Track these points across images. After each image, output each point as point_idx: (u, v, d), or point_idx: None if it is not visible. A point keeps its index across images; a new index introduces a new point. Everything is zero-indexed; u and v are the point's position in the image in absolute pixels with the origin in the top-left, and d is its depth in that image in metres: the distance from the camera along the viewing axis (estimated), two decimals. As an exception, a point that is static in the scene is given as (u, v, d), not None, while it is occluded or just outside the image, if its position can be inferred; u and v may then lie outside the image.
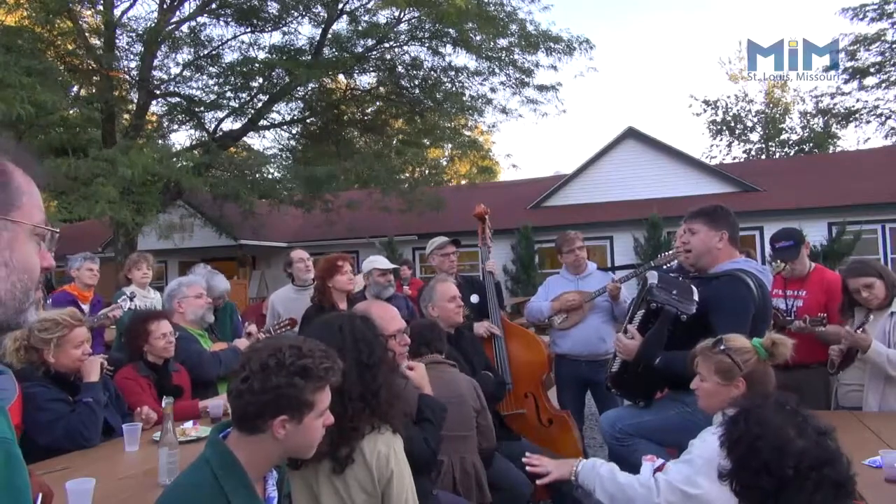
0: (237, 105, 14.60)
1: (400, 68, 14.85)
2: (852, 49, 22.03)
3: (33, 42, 11.36)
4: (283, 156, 16.78)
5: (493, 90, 15.04)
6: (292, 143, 16.82)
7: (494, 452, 3.08)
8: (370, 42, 14.06)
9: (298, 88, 14.35)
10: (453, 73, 14.68)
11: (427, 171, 25.43)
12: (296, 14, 13.93)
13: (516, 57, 14.18)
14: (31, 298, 0.89)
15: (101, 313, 4.50)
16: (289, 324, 4.28)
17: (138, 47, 13.48)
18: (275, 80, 14.28)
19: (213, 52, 14.14)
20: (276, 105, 14.79)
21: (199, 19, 13.59)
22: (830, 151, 27.02)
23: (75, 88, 13.89)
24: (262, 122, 15.12)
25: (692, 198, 14.22)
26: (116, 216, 10.45)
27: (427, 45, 14.27)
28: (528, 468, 2.40)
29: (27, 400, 2.63)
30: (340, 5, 13.74)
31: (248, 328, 4.28)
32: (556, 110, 20.68)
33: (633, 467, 2.42)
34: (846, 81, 23.86)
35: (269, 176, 15.11)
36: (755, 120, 31.15)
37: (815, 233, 12.72)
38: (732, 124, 31.25)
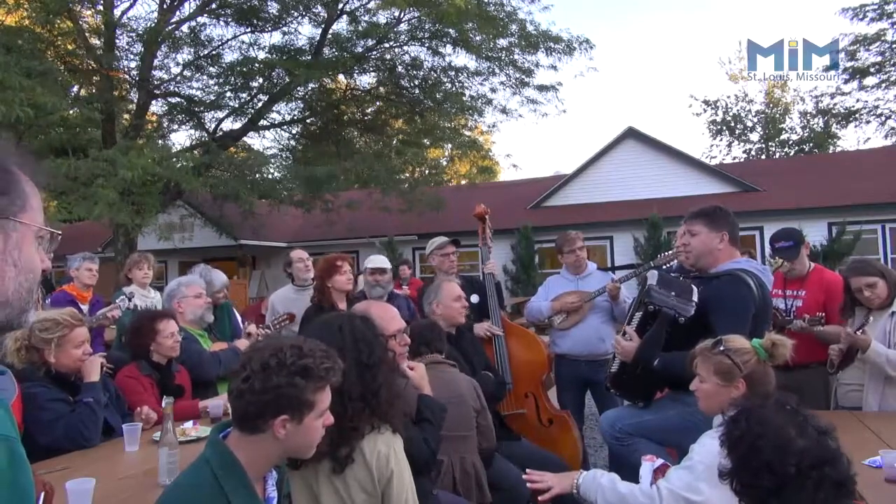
0: (237, 105, 14.61)
1: (400, 68, 14.85)
2: (852, 49, 22.02)
3: (33, 42, 11.36)
4: (283, 156, 16.79)
5: (493, 90, 15.07)
6: (292, 143, 16.82)
7: (494, 452, 3.08)
8: (370, 42, 14.06)
9: (298, 88, 14.35)
10: (453, 73, 14.69)
11: (427, 171, 25.44)
12: (296, 14, 13.93)
13: (516, 57, 14.19)
14: (33, 298, 0.91)
15: (100, 313, 4.49)
16: (287, 318, 4.30)
17: (138, 47, 13.49)
18: (275, 80, 14.29)
19: (213, 52, 14.15)
20: (276, 105, 14.80)
21: (199, 19, 13.59)
22: (830, 151, 27.01)
23: (75, 88, 13.89)
24: (262, 122, 15.13)
25: (692, 198, 14.22)
26: (115, 218, 10.45)
27: (427, 45, 14.27)
28: (528, 484, 2.37)
29: (28, 400, 2.63)
30: (340, 5, 13.74)
31: (247, 328, 4.29)
32: (556, 110, 20.76)
33: (633, 467, 2.42)
34: (846, 81, 23.86)
35: (269, 176, 15.12)
36: (755, 120, 31.16)
37: (815, 233, 12.72)
38: (732, 124, 31.25)
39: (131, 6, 13.19)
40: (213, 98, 14.50)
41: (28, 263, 0.89)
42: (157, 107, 15.03)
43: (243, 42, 14.45)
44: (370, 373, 2.02)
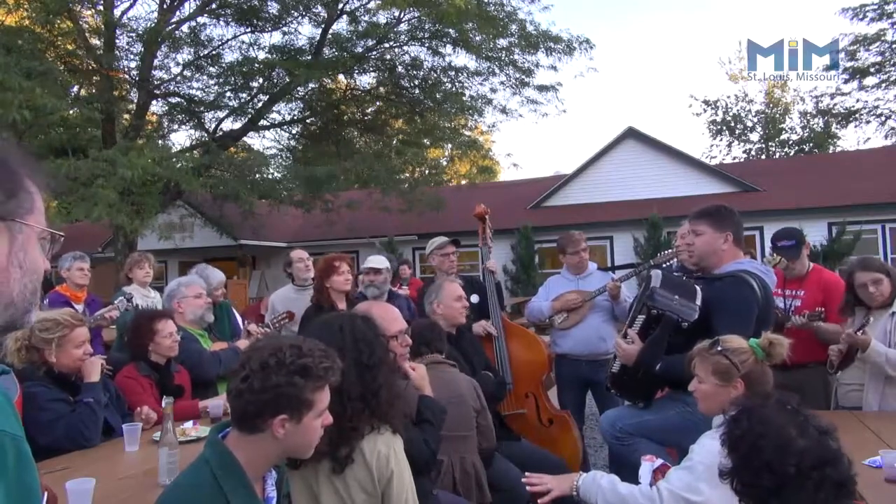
0: (237, 105, 14.61)
1: (400, 68, 14.85)
2: (852, 49, 22.02)
3: (33, 42, 11.36)
4: (283, 156, 16.79)
5: (493, 90, 15.07)
6: (292, 143, 16.83)
7: (494, 452, 3.08)
8: (370, 42, 14.06)
9: (298, 88, 14.35)
10: (453, 73, 14.69)
11: (427, 171, 25.43)
12: (296, 14, 13.93)
13: (516, 57, 14.19)
14: (36, 299, 0.93)
15: (98, 314, 4.47)
16: (286, 317, 4.30)
17: (138, 47, 13.49)
18: (275, 80, 14.29)
19: (213, 52, 14.15)
20: (276, 105, 14.80)
21: (199, 19, 13.59)
22: (830, 151, 27.01)
23: (75, 88, 13.90)
24: (262, 122, 15.13)
25: (692, 198, 14.22)
26: (115, 220, 10.45)
27: (427, 45, 14.27)
28: (528, 488, 2.37)
29: (28, 400, 2.63)
30: (340, 5, 13.74)
31: (248, 327, 4.29)
32: (556, 110, 20.76)
33: (633, 467, 2.42)
34: (846, 81, 23.86)
35: (269, 176, 15.11)
36: (755, 120, 31.15)
37: (815, 233, 12.72)
38: (732, 124, 31.24)
39: (131, 6, 13.21)
40: (213, 98, 14.51)
41: (33, 265, 0.91)
42: (157, 107, 15.06)
43: (243, 42, 14.48)
44: (370, 373, 2.02)
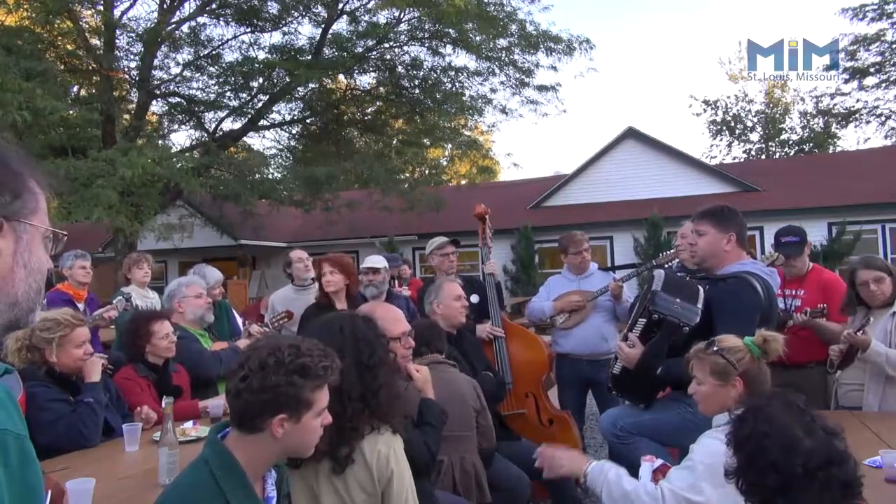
0: (237, 105, 14.61)
1: (400, 68, 14.86)
2: (852, 49, 22.03)
3: (33, 43, 11.36)
4: (283, 156, 16.79)
5: (493, 90, 15.07)
6: (292, 143, 16.83)
7: (494, 452, 3.08)
8: (370, 42, 14.06)
9: (298, 88, 14.35)
10: (453, 73, 14.69)
11: (427, 171, 25.45)
12: (296, 14, 13.94)
13: (516, 57, 14.20)
14: (41, 298, 0.94)
15: (97, 314, 4.47)
16: (285, 316, 4.31)
17: (138, 47, 13.50)
18: (275, 80, 14.29)
19: (213, 52, 14.15)
20: (276, 105, 14.80)
21: (199, 19, 13.60)
22: (830, 151, 27.01)
23: (75, 89, 13.90)
24: (262, 122, 15.13)
25: (692, 198, 14.22)
26: (115, 222, 10.45)
27: (427, 45, 14.28)
28: (540, 458, 2.36)
29: (28, 399, 2.63)
30: (340, 5, 13.75)
31: (249, 327, 4.28)
32: (556, 110, 20.77)
33: (633, 466, 2.42)
34: (846, 81, 23.86)
35: (269, 176, 15.12)
36: (755, 120, 31.14)
37: (815, 233, 12.71)
38: (732, 124, 31.23)
39: (131, 6, 13.22)
40: (213, 98, 14.51)
41: (37, 264, 0.92)
42: (157, 107, 15.07)
43: (243, 42, 14.48)
44: (370, 373, 2.02)
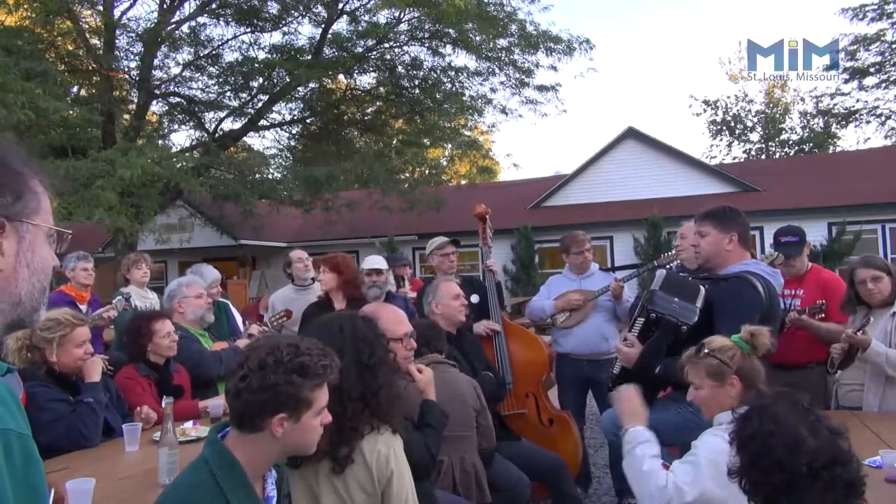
0: (237, 105, 14.62)
1: (400, 68, 14.86)
2: (852, 49, 22.01)
3: (33, 43, 11.37)
4: (283, 156, 16.79)
5: (492, 90, 15.08)
6: (292, 143, 16.83)
7: (494, 452, 3.08)
8: (370, 42, 14.07)
9: (298, 88, 14.36)
10: (453, 73, 14.69)
11: (427, 171, 25.44)
12: (296, 14, 13.95)
13: (516, 57, 14.20)
14: (45, 297, 0.95)
15: (96, 314, 4.46)
16: (285, 315, 4.32)
17: (138, 47, 13.51)
18: (275, 80, 14.30)
19: (213, 52, 14.16)
20: (276, 105, 14.81)
21: (199, 19, 13.61)
22: (830, 151, 27.00)
23: (75, 89, 13.91)
24: (262, 122, 15.13)
25: (692, 198, 14.22)
26: (115, 222, 10.45)
27: (427, 45, 14.28)
28: (618, 393, 2.47)
29: (28, 399, 2.63)
30: (340, 5, 13.75)
31: (249, 328, 4.28)
32: (556, 110, 20.77)
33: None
34: (846, 81, 23.84)
35: (269, 176, 15.12)
36: (755, 120, 31.12)
37: (815, 233, 12.71)
38: (732, 124, 31.22)
39: (131, 6, 13.23)
40: (213, 98, 14.51)
41: (41, 264, 0.93)
42: (157, 107, 15.08)
43: (243, 42, 14.50)
44: (370, 373, 2.02)
